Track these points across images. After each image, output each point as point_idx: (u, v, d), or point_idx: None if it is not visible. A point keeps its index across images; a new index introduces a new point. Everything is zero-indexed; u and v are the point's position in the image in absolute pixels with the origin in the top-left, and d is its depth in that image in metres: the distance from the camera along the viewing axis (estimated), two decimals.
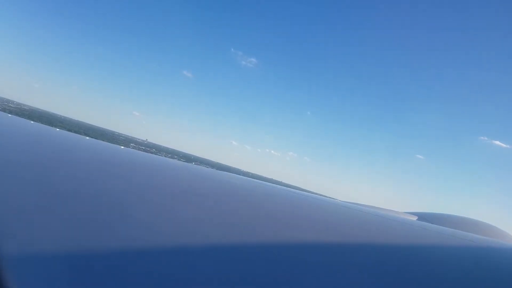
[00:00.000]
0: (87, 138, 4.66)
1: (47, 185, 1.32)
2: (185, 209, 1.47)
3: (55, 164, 1.83)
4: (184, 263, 0.88)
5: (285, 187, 3.93)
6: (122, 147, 4.27)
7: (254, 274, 0.93)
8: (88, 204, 1.18)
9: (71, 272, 0.72)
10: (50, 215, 0.99)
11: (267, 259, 1.05)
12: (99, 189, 1.48)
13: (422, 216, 5.43)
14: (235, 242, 1.15)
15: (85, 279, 0.72)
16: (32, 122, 4.35)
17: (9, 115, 4.87)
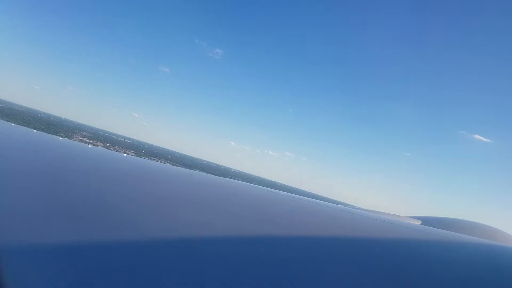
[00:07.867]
0: (90, 145, 4.59)
1: (43, 189, 1.38)
2: (184, 215, 1.49)
3: (48, 169, 1.90)
4: (185, 269, 0.89)
5: (285, 193, 3.88)
6: (125, 154, 4.41)
7: (256, 281, 0.92)
8: (88, 209, 1.22)
9: (70, 273, 0.74)
10: (48, 218, 1.03)
11: (269, 265, 1.04)
12: (96, 195, 1.52)
13: (426, 220, 5.23)
14: (233, 247, 1.15)
15: (84, 280, 0.74)
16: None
17: (12, 124, 5.07)
